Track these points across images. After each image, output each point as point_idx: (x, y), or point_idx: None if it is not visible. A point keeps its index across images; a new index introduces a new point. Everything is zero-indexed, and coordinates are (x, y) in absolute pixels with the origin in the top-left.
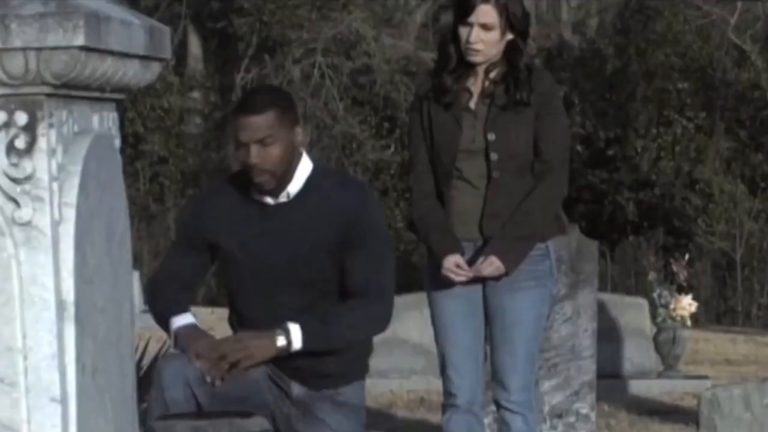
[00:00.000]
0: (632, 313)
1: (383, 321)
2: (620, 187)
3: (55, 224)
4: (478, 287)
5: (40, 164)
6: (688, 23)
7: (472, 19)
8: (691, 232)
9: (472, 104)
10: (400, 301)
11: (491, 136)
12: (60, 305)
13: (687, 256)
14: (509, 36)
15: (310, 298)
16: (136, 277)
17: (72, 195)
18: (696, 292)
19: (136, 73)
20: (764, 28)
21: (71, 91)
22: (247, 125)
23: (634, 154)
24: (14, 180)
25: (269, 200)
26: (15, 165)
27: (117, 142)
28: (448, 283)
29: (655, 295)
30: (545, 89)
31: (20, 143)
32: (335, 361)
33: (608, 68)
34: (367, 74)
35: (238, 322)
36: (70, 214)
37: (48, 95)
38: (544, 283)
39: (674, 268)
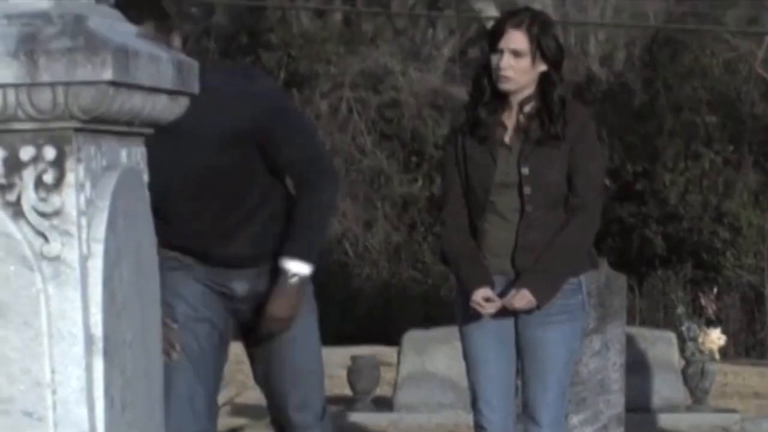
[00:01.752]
0: (661, 347)
1: (337, 188)
2: (648, 221)
3: (84, 259)
4: (510, 320)
5: (69, 199)
6: (715, 57)
7: (503, 44)
8: (719, 265)
9: (506, 138)
10: (428, 335)
11: (525, 170)
12: (88, 340)
13: (715, 290)
14: (542, 67)
15: (217, 189)
16: None
17: (100, 230)
18: (724, 325)
19: (164, 108)
20: None
21: (99, 125)
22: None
23: (662, 188)
24: (43, 215)
25: None
26: (43, 200)
27: (145, 177)
28: (479, 316)
29: (683, 328)
30: (580, 123)
31: (48, 178)
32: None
33: (636, 102)
34: (394, 108)
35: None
36: (99, 249)
37: (76, 130)
38: (576, 317)
39: (702, 301)
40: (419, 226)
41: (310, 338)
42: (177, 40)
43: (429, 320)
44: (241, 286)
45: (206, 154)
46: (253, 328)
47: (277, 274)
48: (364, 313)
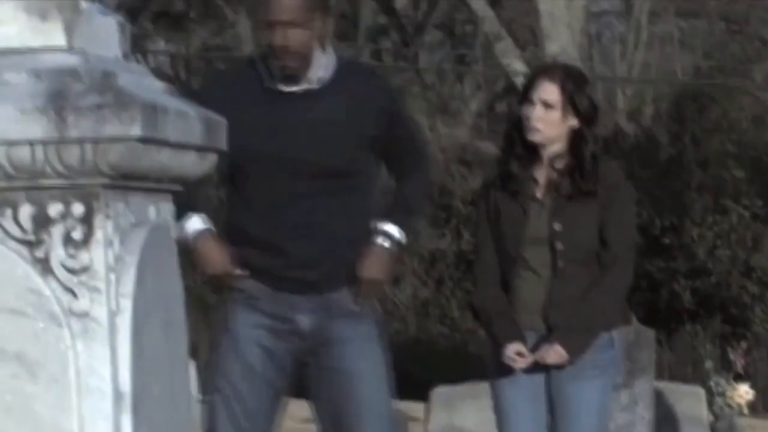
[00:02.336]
0: (689, 402)
1: (433, 174)
2: (677, 276)
3: (112, 315)
4: (542, 375)
5: (97, 255)
6: (743, 111)
7: (534, 95)
8: (748, 320)
9: (538, 193)
10: (456, 390)
11: (557, 226)
12: (117, 396)
13: (744, 344)
14: (573, 122)
15: (326, 188)
16: (192, 367)
17: (129, 286)
18: (753, 380)
19: (193, 165)
20: None
21: (128, 182)
22: (276, 5)
23: (690, 242)
24: (71, 271)
25: (285, 88)
26: (72, 256)
27: (173, 233)
28: (510, 371)
29: (711, 383)
30: (612, 179)
31: (77, 234)
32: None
33: (663, 156)
34: None
35: (244, 218)
36: (127, 305)
37: (105, 186)
38: (608, 372)
39: (731, 356)
40: (447, 281)
41: (378, 372)
42: (326, 23)
43: (457, 376)
44: (306, 319)
45: (339, 139)
46: (316, 366)
47: (344, 308)
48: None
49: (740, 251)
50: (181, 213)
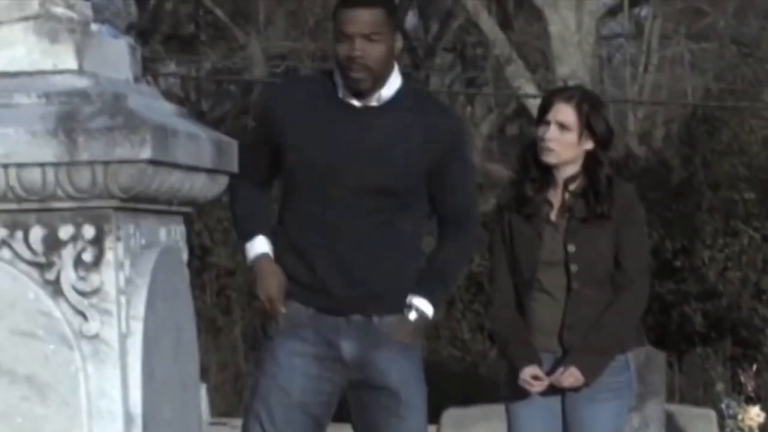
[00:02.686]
0: (700, 425)
1: (473, 249)
2: (687, 298)
3: (123, 337)
4: (557, 397)
5: (108, 277)
6: (754, 133)
7: (550, 116)
8: (758, 342)
9: (552, 216)
10: (467, 412)
11: (571, 248)
12: (128, 418)
13: (755, 367)
14: (588, 145)
15: (381, 207)
16: (203, 389)
17: (140, 308)
18: (764, 402)
19: (203, 187)
20: None
21: (138, 204)
22: (356, 18)
23: (701, 265)
24: (82, 293)
25: (356, 102)
26: (83, 278)
27: (184, 255)
28: (526, 393)
29: (723, 405)
30: (626, 202)
31: (88, 256)
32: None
33: (674, 178)
34: None
35: (295, 229)
36: (138, 327)
37: (115, 209)
38: (623, 394)
39: (742, 378)
40: (458, 303)
41: (417, 398)
42: (399, 42)
43: (468, 398)
44: (349, 346)
45: (398, 161)
46: (358, 389)
47: (388, 335)
48: None
49: (751, 273)
50: (247, 232)
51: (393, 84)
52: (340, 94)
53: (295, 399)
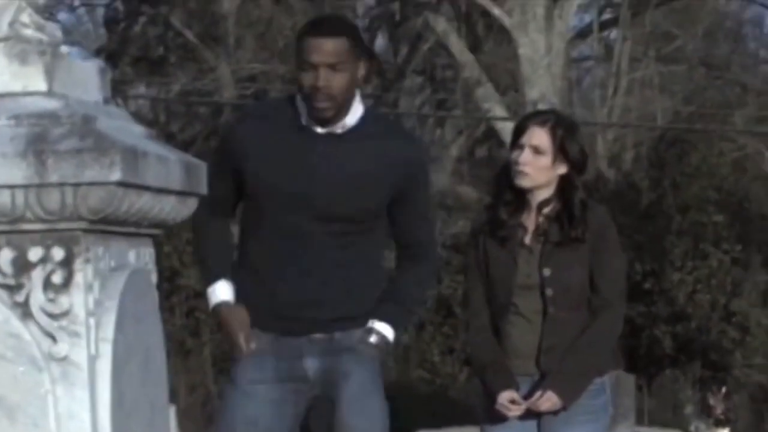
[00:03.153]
0: None
1: (434, 276)
2: (657, 321)
3: (92, 359)
4: (533, 421)
5: (77, 300)
6: (723, 156)
7: (524, 140)
8: (728, 365)
9: (527, 240)
10: None
11: (546, 272)
12: None
13: (724, 389)
14: (562, 169)
15: (343, 232)
16: (172, 411)
17: (109, 330)
18: (733, 425)
19: (172, 209)
20: None
21: (108, 226)
22: (321, 47)
23: (671, 287)
24: (51, 315)
25: (320, 129)
26: (52, 300)
27: (153, 277)
28: (502, 416)
29: (692, 428)
30: (600, 225)
31: (57, 278)
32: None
33: (644, 201)
34: None
35: (257, 255)
36: (107, 350)
37: (85, 231)
38: (599, 417)
39: (711, 401)
40: (428, 325)
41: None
42: (363, 70)
43: (437, 420)
44: (312, 363)
45: (361, 188)
46: (321, 400)
47: (350, 345)
48: None
49: (720, 296)
50: (210, 276)
51: (356, 111)
52: (304, 121)
53: (261, 426)
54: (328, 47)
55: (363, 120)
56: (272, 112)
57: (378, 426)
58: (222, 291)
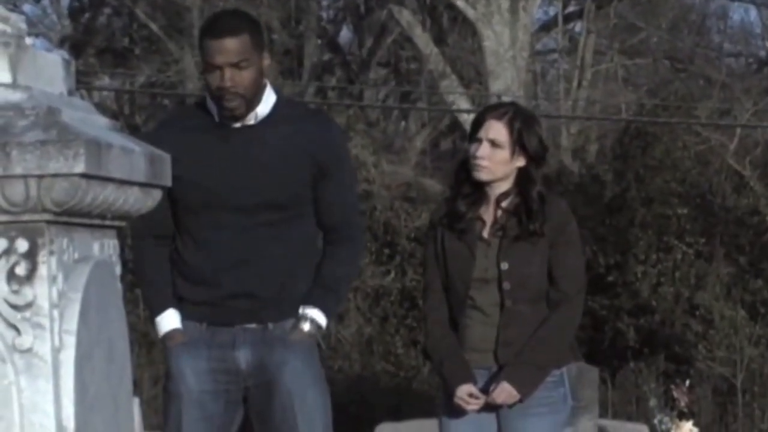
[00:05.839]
0: None
1: (362, 256)
2: (620, 313)
3: (56, 351)
4: (492, 414)
5: (41, 291)
6: (687, 149)
7: (482, 134)
8: (691, 357)
9: (485, 233)
10: (400, 427)
11: (504, 266)
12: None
13: (688, 382)
14: (521, 162)
15: (270, 220)
16: (136, 403)
17: (72, 322)
18: (697, 417)
19: (136, 200)
20: (763, 153)
21: (72, 218)
22: (223, 47)
23: (634, 280)
24: (15, 307)
25: (234, 124)
26: (16, 292)
27: (118, 269)
28: (460, 410)
29: (656, 421)
30: (560, 218)
31: (21, 270)
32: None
33: (607, 194)
34: (367, 200)
35: (189, 252)
36: (71, 341)
37: (49, 222)
38: (558, 409)
39: (675, 393)
40: (391, 318)
41: (316, 394)
42: (267, 59)
43: (401, 413)
44: (245, 355)
45: (280, 174)
46: (257, 393)
47: (283, 337)
48: (336, 405)
49: (684, 289)
50: (156, 305)
51: (269, 100)
52: (217, 119)
53: (202, 415)
54: (230, 47)
55: (276, 107)
56: (186, 115)
57: (318, 414)
58: (170, 321)
